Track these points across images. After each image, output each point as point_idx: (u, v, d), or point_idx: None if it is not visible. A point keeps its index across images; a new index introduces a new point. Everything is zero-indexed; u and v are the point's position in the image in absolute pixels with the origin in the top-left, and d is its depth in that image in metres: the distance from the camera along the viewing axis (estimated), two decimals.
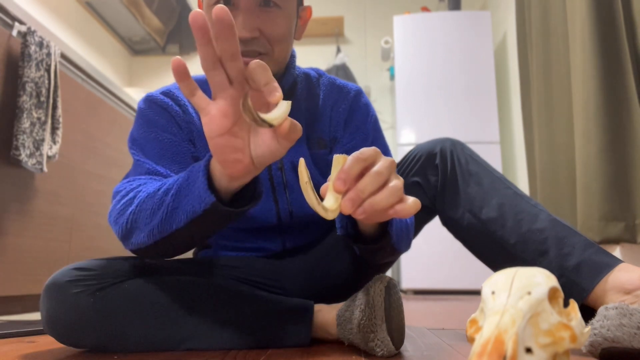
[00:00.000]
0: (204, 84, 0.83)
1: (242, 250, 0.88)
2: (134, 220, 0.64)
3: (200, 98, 0.50)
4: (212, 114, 0.50)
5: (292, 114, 0.83)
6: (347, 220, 0.69)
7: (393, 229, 0.66)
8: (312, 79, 0.88)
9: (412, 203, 0.50)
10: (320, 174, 0.85)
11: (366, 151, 0.50)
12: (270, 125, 0.48)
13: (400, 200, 0.51)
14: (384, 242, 0.66)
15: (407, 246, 0.77)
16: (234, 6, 0.70)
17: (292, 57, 0.83)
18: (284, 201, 0.82)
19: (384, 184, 0.50)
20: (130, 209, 0.65)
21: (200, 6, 0.78)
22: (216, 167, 0.55)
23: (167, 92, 0.83)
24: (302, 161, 0.50)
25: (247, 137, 0.52)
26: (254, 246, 0.87)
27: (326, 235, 0.89)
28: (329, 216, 0.50)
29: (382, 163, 0.51)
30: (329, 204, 0.50)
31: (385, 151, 0.83)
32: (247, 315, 0.72)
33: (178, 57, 0.48)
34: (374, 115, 0.88)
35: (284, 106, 0.50)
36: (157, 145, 0.77)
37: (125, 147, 2.15)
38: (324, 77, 0.88)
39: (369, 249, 0.68)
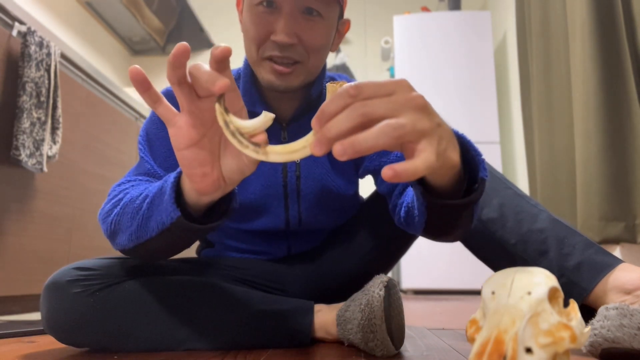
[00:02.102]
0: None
1: (246, 252, 0.88)
2: (117, 222, 0.64)
3: (166, 109, 0.49)
4: (179, 125, 0.48)
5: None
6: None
7: (487, 178, 0.52)
8: None
9: (420, 160, 0.38)
10: (341, 179, 0.84)
11: (362, 85, 0.39)
12: (240, 134, 0.43)
13: (406, 151, 0.39)
14: (479, 191, 0.52)
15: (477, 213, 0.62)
16: (277, 10, 0.69)
17: (324, 66, 0.82)
18: (295, 209, 0.82)
19: (376, 120, 0.38)
20: (116, 211, 0.64)
21: (239, 4, 0.78)
22: (186, 181, 0.54)
23: None
24: (217, 106, 0.45)
25: (216, 151, 0.50)
26: (258, 249, 0.87)
27: (330, 240, 0.89)
28: (272, 158, 0.42)
29: (382, 98, 0.39)
30: (298, 143, 0.42)
31: None
32: (247, 315, 0.72)
33: (136, 66, 0.46)
34: None
35: (263, 117, 0.45)
36: (167, 144, 0.76)
37: (125, 147, 2.15)
38: (347, 82, 0.87)
39: (455, 206, 0.53)
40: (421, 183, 0.53)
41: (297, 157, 0.42)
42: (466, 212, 0.55)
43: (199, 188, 0.51)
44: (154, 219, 0.57)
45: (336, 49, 0.81)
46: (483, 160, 0.52)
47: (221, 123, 0.44)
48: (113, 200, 0.67)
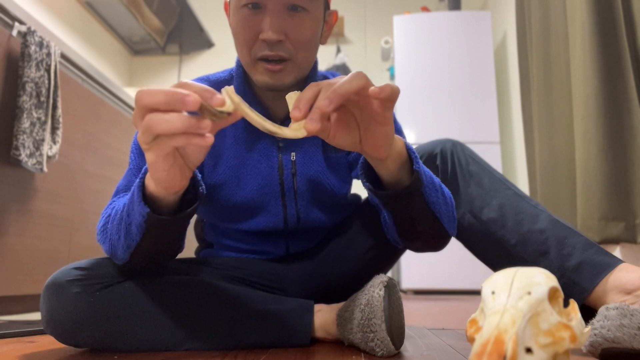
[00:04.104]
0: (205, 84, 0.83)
1: (245, 252, 0.88)
2: (110, 238, 0.65)
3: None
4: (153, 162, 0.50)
5: None
6: (369, 172, 0.66)
7: (420, 167, 0.62)
8: None
9: (388, 84, 0.50)
10: (336, 178, 0.84)
11: (321, 82, 0.51)
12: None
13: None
14: (412, 184, 0.61)
15: (446, 214, 0.70)
16: (262, 10, 0.70)
17: (315, 62, 0.82)
18: (293, 207, 0.82)
19: None
20: (108, 227, 0.66)
21: (226, 8, 0.78)
22: (151, 180, 0.55)
23: None
24: (230, 88, 0.49)
25: (180, 159, 0.52)
26: (257, 249, 0.87)
27: (329, 238, 0.89)
28: (288, 134, 0.49)
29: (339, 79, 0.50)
30: (294, 125, 0.50)
31: None
32: (247, 315, 0.72)
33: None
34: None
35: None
36: None
37: (125, 147, 2.15)
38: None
39: (400, 194, 0.63)
40: (372, 181, 0.65)
41: (300, 135, 0.50)
42: (417, 203, 0.64)
43: (171, 190, 0.54)
44: (133, 223, 0.59)
45: (326, 41, 0.81)
46: (417, 156, 0.62)
47: (246, 109, 0.49)
48: (104, 218, 0.69)
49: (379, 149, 0.56)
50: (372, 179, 0.66)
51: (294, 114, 0.48)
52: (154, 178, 0.53)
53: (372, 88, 0.50)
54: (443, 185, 0.72)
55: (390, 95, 0.51)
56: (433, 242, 0.73)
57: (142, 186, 0.57)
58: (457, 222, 0.84)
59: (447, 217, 0.70)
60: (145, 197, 0.57)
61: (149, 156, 0.50)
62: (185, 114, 0.47)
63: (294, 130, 0.49)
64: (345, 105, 0.54)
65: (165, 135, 0.47)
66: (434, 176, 0.69)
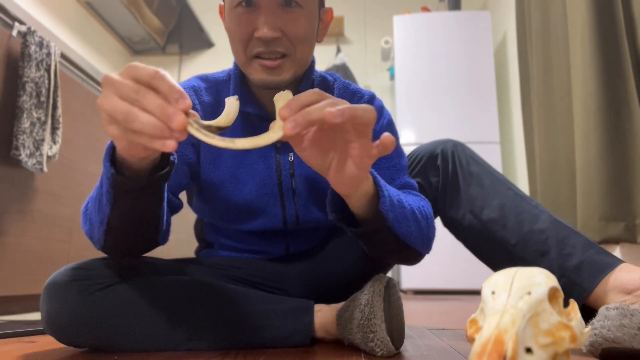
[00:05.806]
0: (192, 90, 0.81)
1: (244, 252, 0.88)
2: (90, 217, 0.64)
3: None
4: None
5: None
6: (337, 202, 0.65)
7: (386, 206, 0.61)
8: (328, 82, 0.86)
9: (363, 106, 0.48)
10: None
11: (325, 93, 0.50)
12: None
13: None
14: (377, 222, 0.61)
15: (419, 240, 0.69)
16: (256, 7, 0.69)
17: (312, 61, 0.82)
18: (292, 207, 0.82)
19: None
20: (89, 207, 0.65)
21: (221, 12, 0.78)
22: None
23: (190, 86, 0.81)
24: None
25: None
26: (256, 249, 0.87)
27: (328, 238, 0.89)
28: (244, 144, 0.46)
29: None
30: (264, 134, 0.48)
31: (399, 155, 0.81)
32: (247, 315, 0.72)
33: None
34: (387, 118, 0.84)
35: (228, 104, 0.49)
36: None
37: None
38: (339, 81, 0.87)
39: (365, 233, 0.63)
40: (341, 215, 0.64)
41: (262, 142, 0.47)
42: (384, 237, 0.64)
43: (140, 158, 0.52)
44: (104, 193, 0.57)
45: (322, 40, 0.81)
46: (384, 195, 0.60)
47: (193, 131, 0.46)
48: (87, 199, 0.67)
49: (341, 186, 0.55)
50: (341, 207, 0.65)
51: (283, 112, 0.47)
52: (128, 157, 0.51)
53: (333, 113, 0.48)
54: (420, 207, 0.70)
55: (387, 146, 0.50)
56: (405, 262, 0.74)
57: (113, 147, 0.54)
58: (456, 223, 0.84)
59: (420, 241, 0.69)
60: (116, 162, 0.54)
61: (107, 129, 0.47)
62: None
63: (249, 140, 0.46)
64: (334, 129, 0.51)
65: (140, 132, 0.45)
66: (406, 202, 0.67)
